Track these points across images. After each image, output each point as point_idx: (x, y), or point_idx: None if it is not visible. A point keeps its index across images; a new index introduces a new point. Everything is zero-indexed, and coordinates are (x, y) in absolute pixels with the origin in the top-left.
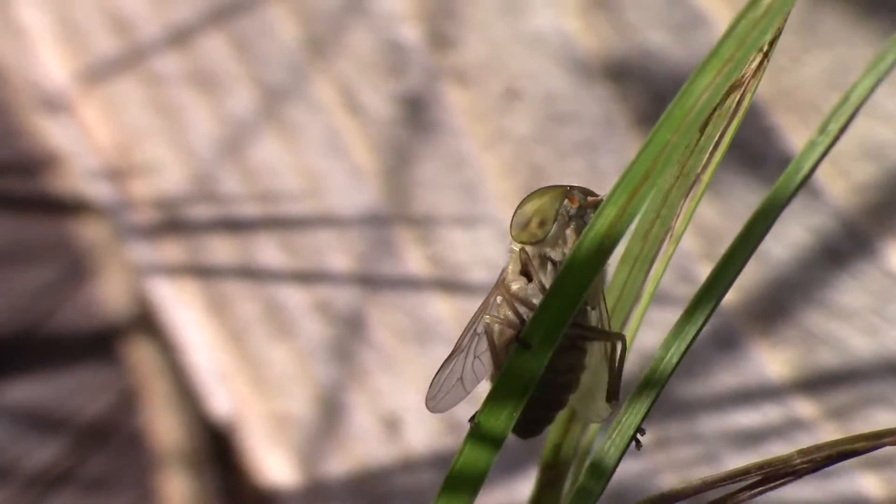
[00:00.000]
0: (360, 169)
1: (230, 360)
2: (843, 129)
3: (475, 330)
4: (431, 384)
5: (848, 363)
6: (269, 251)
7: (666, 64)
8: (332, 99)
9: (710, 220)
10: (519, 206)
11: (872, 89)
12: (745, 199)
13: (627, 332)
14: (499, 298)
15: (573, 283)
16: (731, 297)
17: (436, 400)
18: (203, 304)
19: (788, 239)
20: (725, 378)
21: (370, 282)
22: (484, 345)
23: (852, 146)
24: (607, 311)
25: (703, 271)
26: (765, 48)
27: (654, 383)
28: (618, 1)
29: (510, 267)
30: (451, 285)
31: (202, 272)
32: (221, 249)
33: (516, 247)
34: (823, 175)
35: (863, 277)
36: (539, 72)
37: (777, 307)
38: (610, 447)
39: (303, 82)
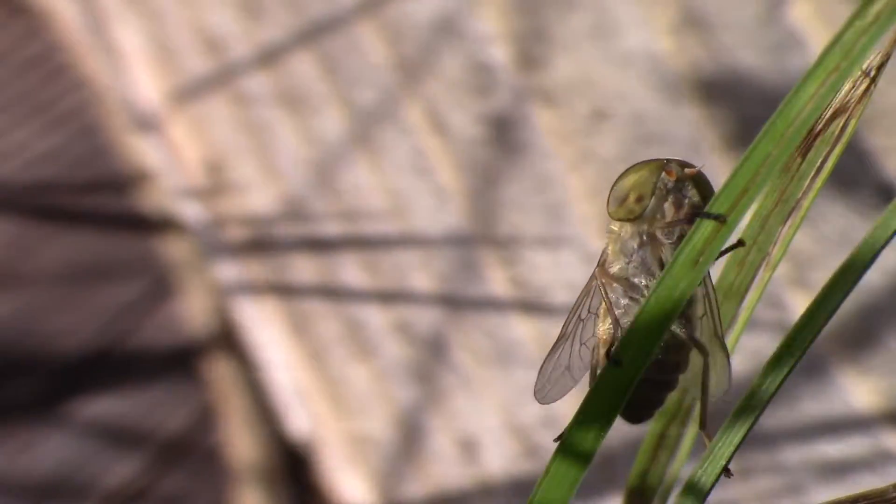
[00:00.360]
0: (445, 189)
1: (309, 379)
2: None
3: (579, 316)
4: (539, 375)
5: None
6: (351, 271)
7: (757, 86)
8: (419, 119)
9: (800, 245)
10: (615, 182)
11: None
12: (837, 224)
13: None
14: (602, 282)
15: (667, 299)
16: None
17: (544, 391)
18: (284, 322)
19: (883, 266)
20: (811, 406)
21: (452, 303)
22: (589, 331)
23: None
24: (719, 320)
25: (793, 297)
26: (872, 73)
27: (749, 413)
28: (709, 21)
29: (609, 248)
30: (533, 307)
31: (285, 291)
32: (305, 269)
33: (615, 226)
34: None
35: None
36: (627, 92)
37: (867, 334)
38: (701, 476)
39: (390, 102)
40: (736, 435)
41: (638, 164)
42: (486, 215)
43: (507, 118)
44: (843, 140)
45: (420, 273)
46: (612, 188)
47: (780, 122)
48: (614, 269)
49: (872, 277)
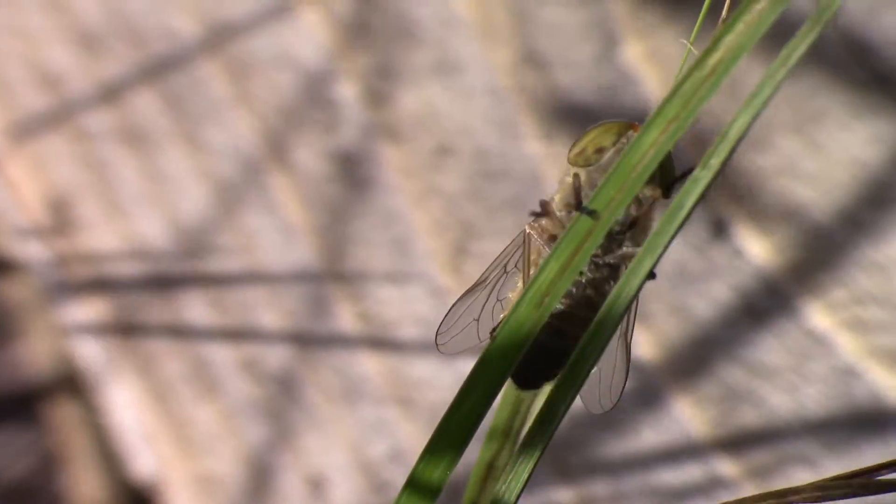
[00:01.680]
0: (292, 225)
1: (155, 420)
2: (724, 164)
3: (504, 267)
4: (445, 318)
5: (768, 421)
6: (197, 309)
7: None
8: (265, 155)
9: None
10: (583, 133)
11: (749, 125)
12: (672, 258)
13: (528, 396)
14: (534, 233)
15: (513, 336)
16: (654, 353)
17: (446, 337)
18: (129, 363)
19: (712, 297)
20: (649, 435)
21: (300, 339)
22: (508, 288)
23: (774, 206)
24: (632, 324)
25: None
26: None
27: (538, 442)
28: (548, 59)
29: (556, 196)
30: (381, 343)
31: (129, 331)
32: (150, 308)
33: (568, 177)
34: (746, 234)
35: (783, 336)
36: (470, 129)
37: (700, 365)
38: (504, 491)
39: (234, 138)
40: (528, 463)
41: (608, 121)
42: (333, 251)
43: (353, 154)
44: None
45: (268, 310)
46: (577, 139)
47: (623, 167)
48: (550, 221)
49: (704, 310)
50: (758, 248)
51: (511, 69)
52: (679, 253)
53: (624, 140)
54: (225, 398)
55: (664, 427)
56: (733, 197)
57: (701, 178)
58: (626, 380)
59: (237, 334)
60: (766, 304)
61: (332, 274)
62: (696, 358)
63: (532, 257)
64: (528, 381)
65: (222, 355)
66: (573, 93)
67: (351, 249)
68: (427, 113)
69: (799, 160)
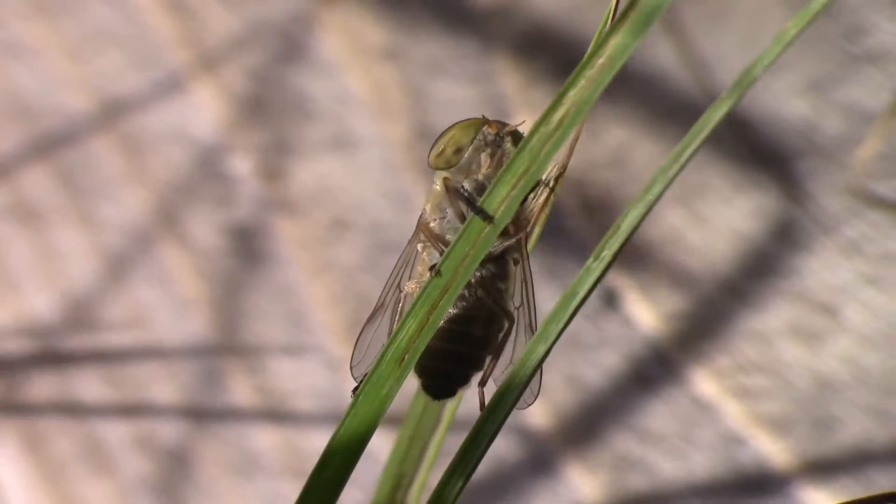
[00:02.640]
0: (187, 299)
1: (46, 500)
2: (616, 255)
3: (398, 286)
4: (356, 348)
5: (657, 487)
6: (90, 384)
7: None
8: (159, 229)
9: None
10: (439, 136)
11: (643, 217)
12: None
13: (425, 464)
14: (419, 246)
15: (374, 396)
16: (548, 422)
17: (361, 365)
18: (18, 442)
19: (604, 365)
20: (542, 503)
21: (195, 414)
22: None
23: (661, 277)
24: (534, 312)
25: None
26: (551, 183)
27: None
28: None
29: (427, 206)
30: (277, 416)
31: (19, 409)
32: (40, 384)
33: (437, 182)
34: (636, 303)
35: (671, 403)
36: (366, 202)
37: (592, 432)
38: None
39: (127, 213)
40: None
41: (462, 120)
42: (228, 324)
43: (248, 228)
44: (531, 245)
45: (162, 385)
46: (434, 141)
47: (474, 224)
48: (431, 225)
49: (595, 378)
50: (647, 317)
51: (405, 144)
52: (572, 323)
53: (480, 137)
54: (118, 475)
55: (557, 495)
56: (623, 267)
57: (593, 268)
58: (540, 371)
59: (130, 410)
60: (656, 371)
61: (227, 347)
62: (588, 426)
63: (419, 268)
64: (439, 390)
65: (115, 431)
66: None
67: (246, 323)
68: (323, 187)
69: (685, 232)
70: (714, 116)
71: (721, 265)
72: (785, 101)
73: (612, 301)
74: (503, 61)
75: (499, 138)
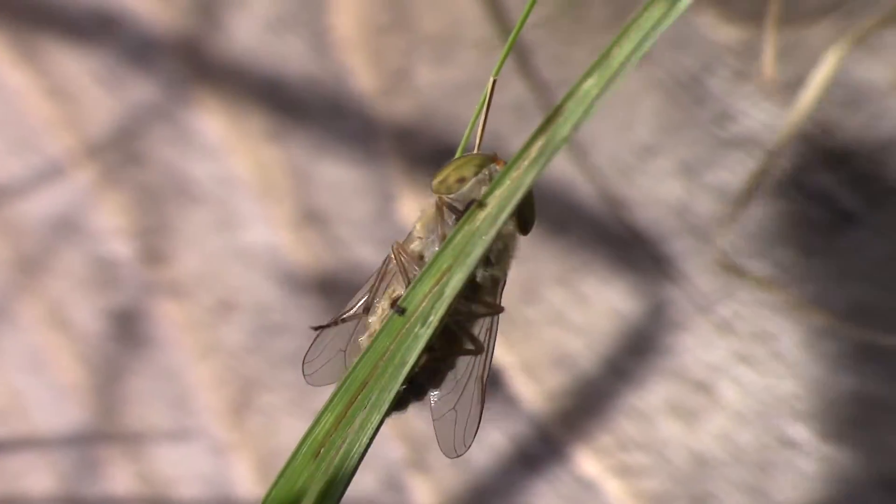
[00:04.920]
0: (66, 386)
1: None
2: (442, 320)
3: (366, 300)
4: (312, 346)
5: None
6: None
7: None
8: (38, 315)
9: (417, 431)
10: (447, 162)
11: (465, 277)
12: None
13: None
14: (407, 245)
15: (285, 488)
16: (434, 501)
17: (313, 367)
18: None
19: (488, 444)
20: None
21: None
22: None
23: (544, 355)
24: (489, 366)
25: (412, 479)
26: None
27: None
28: (327, 216)
29: (418, 224)
30: (161, 503)
31: None
32: None
33: (430, 203)
34: (520, 382)
35: (555, 482)
36: (251, 284)
37: None
38: None
39: (5, 301)
40: None
41: (473, 153)
42: (109, 410)
43: (131, 312)
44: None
45: (39, 475)
46: (440, 167)
47: (396, 321)
48: (414, 244)
49: (480, 457)
50: (531, 396)
51: (291, 225)
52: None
53: (486, 171)
54: None
55: None
56: (506, 345)
57: (421, 335)
58: (479, 423)
59: (5, 502)
60: (539, 450)
61: (108, 434)
62: None
63: (383, 286)
64: (399, 401)
65: None
66: (352, 248)
67: (128, 408)
68: (208, 269)
69: (566, 311)
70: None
71: (602, 343)
72: (659, 183)
73: (494, 381)
74: (386, 143)
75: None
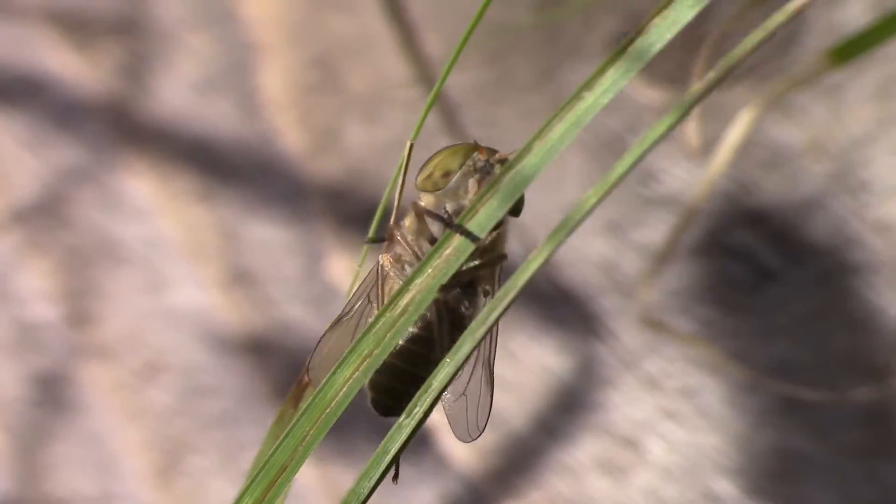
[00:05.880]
0: None
1: None
2: (427, 414)
3: (368, 297)
4: (316, 349)
5: None
6: None
7: (303, 337)
8: None
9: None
10: (429, 158)
11: (452, 376)
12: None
13: None
14: (397, 249)
15: None
16: None
17: (317, 370)
18: None
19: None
20: None
21: None
22: (372, 316)
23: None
24: (495, 348)
25: None
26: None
27: None
28: (256, 276)
29: (406, 222)
30: None
31: None
32: None
33: (422, 202)
34: (450, 441)
35: None
36: (179, 346)
37: None
38: None
39: None
40: None
41: (452, 144)
42: (33, 477)
43: (56, 376)
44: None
45: None
46: (423, 164)
47: (317, 402)
48: (402, 247)
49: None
50: (462, 454)
51: (219, 286)
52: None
53: (470, 162)
54: None
55: None
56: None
57: (405, 425)
58: (490, 407)
59: None
60: None
61: (31, 500)
62: None
63: (385, 288)
64: (388, 408)
65: None
66: (282, 307)
67: (52, 474)
68: (135, 331)
69: (496, 369)
70: (529, 270)
71: (531, 400)
72: (587, 242)
73: (425, 440)
74: (316, 202)
75: (488, 164)
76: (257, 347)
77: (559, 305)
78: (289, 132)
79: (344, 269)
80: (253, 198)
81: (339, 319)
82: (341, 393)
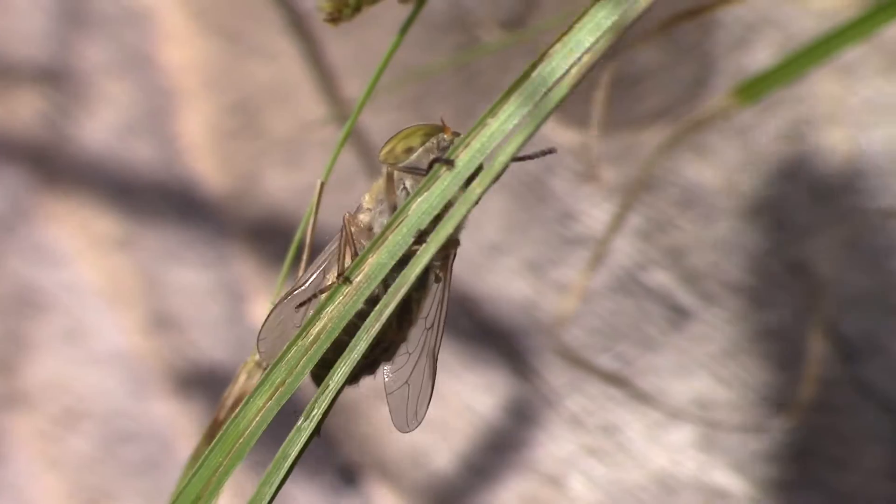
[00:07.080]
0: None
1: None
2: (325, 414)
3: (324, 270)
4: (268, 318)
5: None
6: None
7: (227, 378)
8: None
9: None
10: (395, 133)
11: (348, 378)
12: None
13: None
14: (360, 215)
15: None
16: None
17: (268, 341)
18: None
19: None
20: None
21: None
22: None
23: (398, 452)
24: (440, 338)
25: None
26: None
27: None
28: (178, 320)
29: (366, 196)
30: None
31: None
32: None
33: (383, 174)
34: (375, 482)
35: None
36: (102, 392)
37: None
38: None
39: None
40: None
41: (420, 123)
42: None
43: None
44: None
45: None
46: (389, 138)
47: (231, 431)
48: (363, 215)
49: None
50: (385, 496)
51: (142, 331)
52: (313, 502)
53: (433, 140)
54: None
55: None
56: (360, 446)
57: (304, 428)
58: (430, 397)
59: None
60: None
61: None
62: None
63: (346, 259)
64: (353, 376)
65: None
66: (204, 351)
67: None
68: (55, 379)
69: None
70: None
71: (455, 439)
72: (508, 281)
73: (350, 479)
74: (237, 246)
75: (451, 144)
76: (180, 391)
77: (482, 345)
78: (209, 177)
79: (266, 311)
80: (174, 242)
81: (291, 291)
82: (254, 423)
